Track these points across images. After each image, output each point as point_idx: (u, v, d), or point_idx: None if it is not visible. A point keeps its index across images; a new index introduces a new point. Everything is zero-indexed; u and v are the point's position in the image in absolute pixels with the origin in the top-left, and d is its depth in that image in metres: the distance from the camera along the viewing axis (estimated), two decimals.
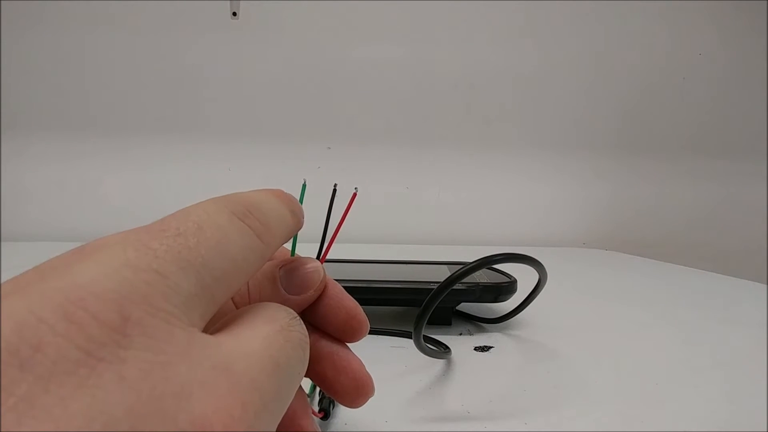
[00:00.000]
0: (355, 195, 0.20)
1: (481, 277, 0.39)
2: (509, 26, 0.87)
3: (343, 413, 0.24)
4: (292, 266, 0.18)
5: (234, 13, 0.61)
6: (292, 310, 0.15)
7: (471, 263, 0.28)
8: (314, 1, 0.81)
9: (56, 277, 0.10)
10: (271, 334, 0.13)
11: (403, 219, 0.87)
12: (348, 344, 0.19)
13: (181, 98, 0.80)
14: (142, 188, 0.80)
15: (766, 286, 0.56)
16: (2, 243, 0.70)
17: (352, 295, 0.19)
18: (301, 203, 0.20)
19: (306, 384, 0.20)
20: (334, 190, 0.20)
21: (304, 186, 0.20)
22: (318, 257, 0.20)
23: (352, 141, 0.85)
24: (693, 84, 0.93)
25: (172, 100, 0.80)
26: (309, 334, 0.15)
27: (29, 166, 0.77)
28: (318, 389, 0.25)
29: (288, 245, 0.20)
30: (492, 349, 0.34)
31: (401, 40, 0.85)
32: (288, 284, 0.17)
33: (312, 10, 0.81)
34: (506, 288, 0.37)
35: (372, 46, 0.84)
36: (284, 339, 0.13)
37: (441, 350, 0.32)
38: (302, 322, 0.14)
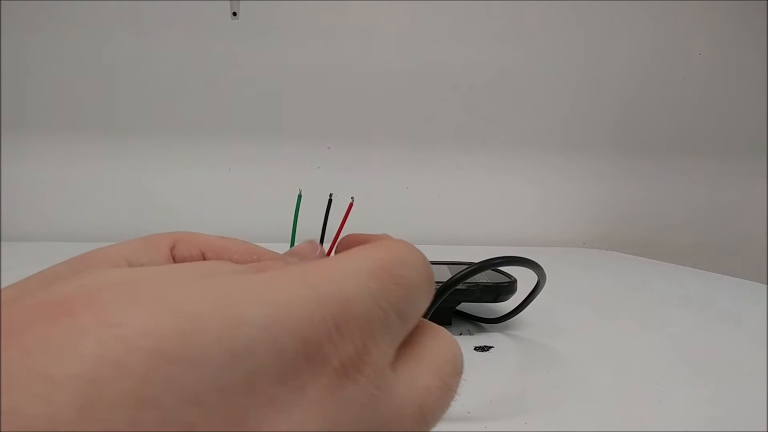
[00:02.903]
0: (351, 205, 0.20)
1: (481, 277, 0.39)
2: (510, 26, 0.87)
3: None
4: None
5: (234, 13, 0.61)
6: (460, 360, 0.14)
7: (470, 266, 0.28)
8: (314, 2, 0.81)
9: (325, 288, 0.10)
10: (431, 387, 0.13)
11: (403, 219, 0.87)
12: None
13: (181, 98, 0.80)
14: (142, 188, 0.80)
15: (766, 286, 0.56)
16: (2, 243, 0.70)
17: None
18: (297, 214, 0.20)
19: None
20: (330, 200, 0.20)
21: (299, 198, 0.20)
22: None
23: (352, 141, 0.85)
24: (693, 84, 0.93)
25: (172, 100, 0.80)
26: None
27: (29, 166, 0.77)
28: None
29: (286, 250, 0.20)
30: (492, 349, 0.34)
31: (401, 40, 0.85)
32: None
33: (312, 10, 0.81)
34: (506, 288, 0.37)
35: (372, 46, 0.84)
36: (440, 397, 0.13)
37: None
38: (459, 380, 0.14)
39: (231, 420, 0.08)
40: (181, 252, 0.18)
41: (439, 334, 0.14)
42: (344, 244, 0.17)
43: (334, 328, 0.10)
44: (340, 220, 0.19)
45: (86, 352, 0.07)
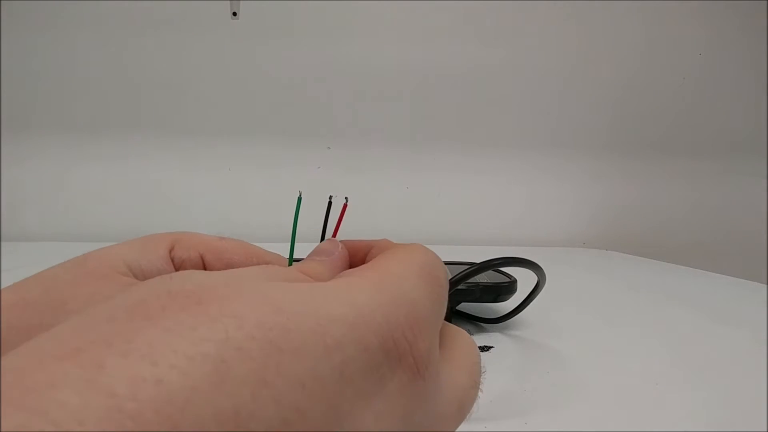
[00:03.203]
0: (345, 206, 0.20)
1: (481, 277, 0.39)
2: (509, 26, 0.87)
3: None
4: None
5: (234, 13, 0.61)
6: (480, 360, 0.15)
7: (471, 267, 0.28)
8: (314, 1, 0.81)
9: (396, 291, 0.12)
10: (466, 387, 0.14)
11: (403, 219, 0.87)
12: None
13: (181, 98, 0.80)
14: (141, 188, 0.80)
15: (766, 286, 0.56)
16: (2, 243, 0.70)
17: None
18: (297, 216, 0.20)
19: None
20: (329, 203, 0.20)
21: (299, 200, 0.20)
22: None
23: (352, 141, 0.85)
24: (693, 84, 0.93)
25: (172, 100, 0.80)
26: None
27: (29, 166, 0.77)
28: None
29: (285, 253, 0.20)
30: (492, 349, 0.34)
31: (401, 40, 0.85)
32: None
33: (312, 10, 0.81)
34: (506, 288, 0.37)
35: (372, 46, 0.84)
36: (474, 396, 0.14)
37: None
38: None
39: (328, 405, 0.09)
40: (179, 254, 0.18)
41: (462, 334, 0.16)
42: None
43: (408, 328, 0.11)
44: (337, 222, 0.19)
45: (216, 336, 0.08)
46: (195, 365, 0.08)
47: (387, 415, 0.10)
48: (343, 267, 0.17)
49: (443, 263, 0.15)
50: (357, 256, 0.18)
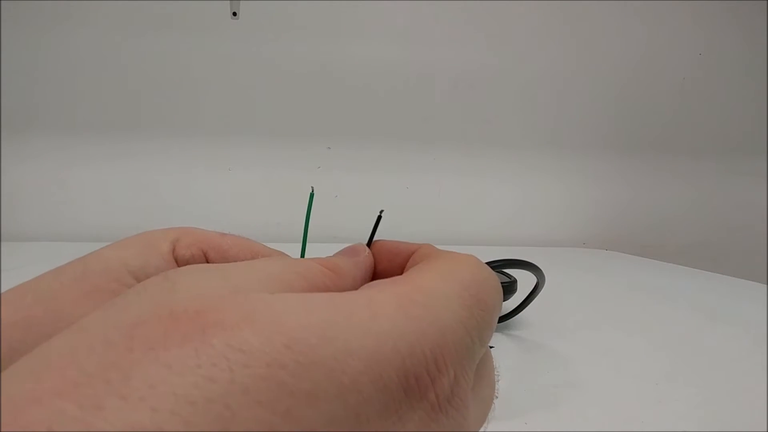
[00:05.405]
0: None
1: None
2: (509, 27, 0.87)
3: None
4: None
5: (234, 13, 0.61)
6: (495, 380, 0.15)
7: None
8: (314, 1, 0.81)
9: (424, 317, 0.10)
10: (488, 400, 0.13)
11: (403, 219, 0.87)
12: None
13: (181, 98, 0.80)
14: (142, 188, 0.80)
15: (766, 286, 0.56)
16: (2, 243, 0.70)
17: None
18: (309, 212, 0.19)
19: None
20: (380, 216, 0.19)
21: (311, 195, 0.19)
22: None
23: (352, 141, 0.85)
24: (693, 84, 0.93)
25: (171, 100, 0.80)
26: None
27: (29, 166, 0.77)
28: None
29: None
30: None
31: (401, 40, 0.85)
32: None
33: (312, 10, 0.81)
34: (506, 288, 0.37)
35: (372, 45, 0.84)
36: (491, 403, 0.13)
37: None
38: None
39: None
40: (182, 253, 0.17)
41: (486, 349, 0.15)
42: (380, 252, 0.17)
43: (433, 361, 0.10)
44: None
45: (221, 376, 0.08)
46: (197, 412, 0.07)
47: None
48: (368, 272, 0.15)
49: (497, 281, 0.13)
50: (395, 262, 0.16)
